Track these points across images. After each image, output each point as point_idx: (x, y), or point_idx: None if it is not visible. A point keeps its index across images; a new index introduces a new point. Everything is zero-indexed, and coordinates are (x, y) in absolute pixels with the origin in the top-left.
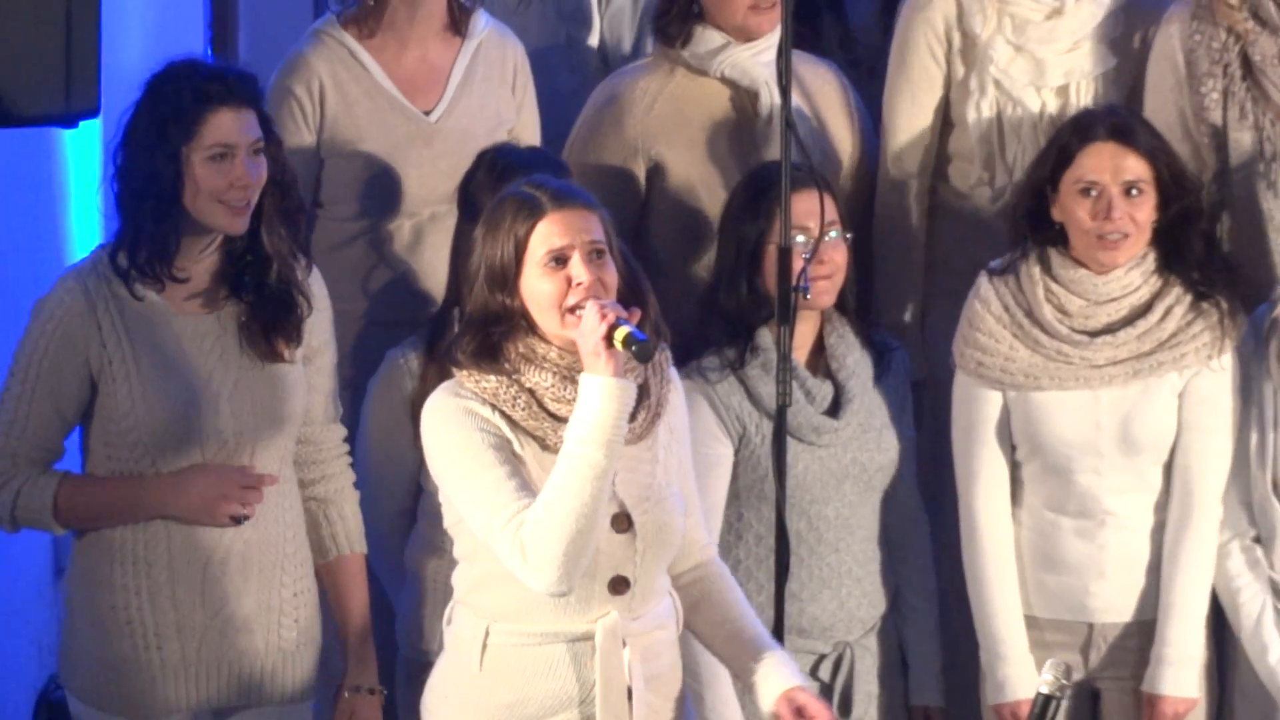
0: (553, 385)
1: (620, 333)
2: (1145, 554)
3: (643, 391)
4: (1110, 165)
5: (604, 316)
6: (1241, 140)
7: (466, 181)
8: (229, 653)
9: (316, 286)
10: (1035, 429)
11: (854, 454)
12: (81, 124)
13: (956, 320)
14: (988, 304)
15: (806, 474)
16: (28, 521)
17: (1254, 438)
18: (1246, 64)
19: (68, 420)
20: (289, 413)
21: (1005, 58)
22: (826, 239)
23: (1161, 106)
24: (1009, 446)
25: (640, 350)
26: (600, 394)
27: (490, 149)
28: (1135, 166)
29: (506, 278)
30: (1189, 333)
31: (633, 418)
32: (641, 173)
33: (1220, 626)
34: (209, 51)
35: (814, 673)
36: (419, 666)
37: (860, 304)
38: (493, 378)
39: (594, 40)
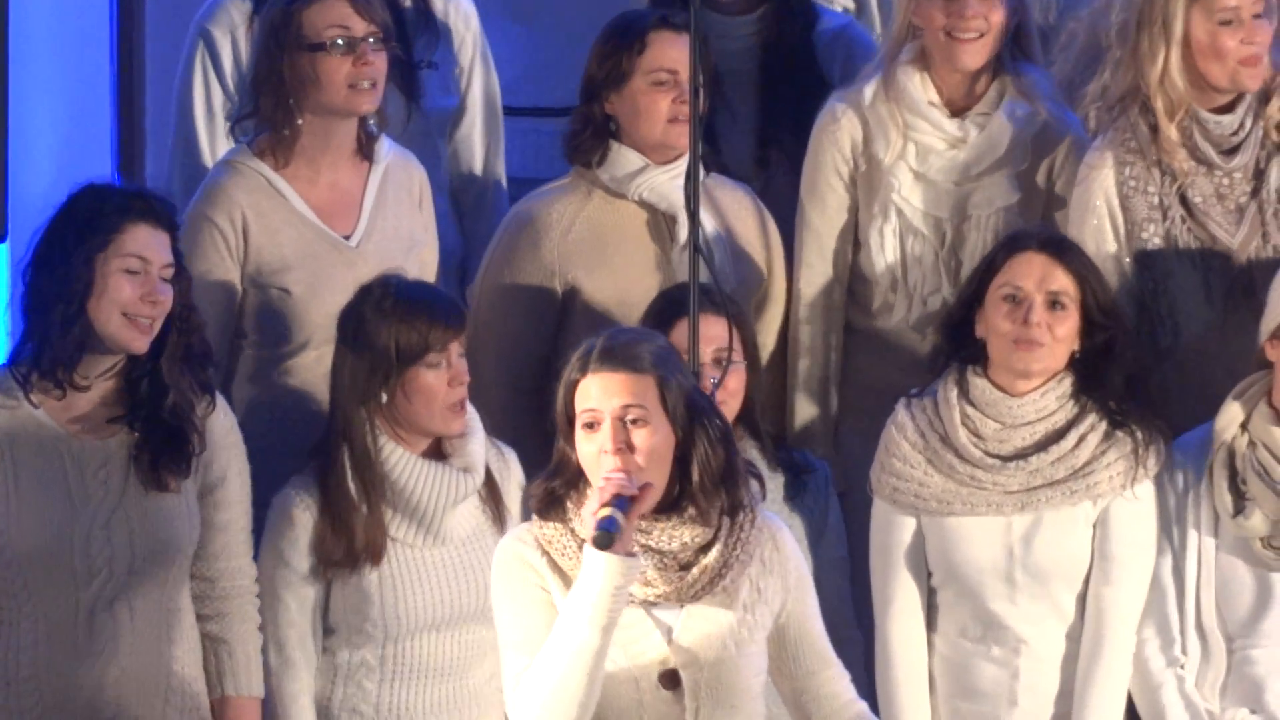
0: None
1: (603, 512)
2: (1056, 683)
3: (703, 550)
4: (1037, 273)
5: (603, 492)
6: (1187, 282)
7: (348, 312)
8: None
9: (223, 420)
10: (948, 555)
11: None
12: None
13: (868, 436)
14: (903, 430)
15: None
16: None
17: (1171, 580)
18: (1186, 205)
19: None
20: (172, 543)
21: (906, 184)
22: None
23: (1097, 260)
24: (924, 573)
25: (598, 538)
26: (592, 568)
27: (375, 282)
28: (1062, 280)
29: (563, 429)
30: (1103, 461)
31: (683, 574)
32: (558, 296)
33: None
34: (116, 178)
35: None
36: None
37: (778, 427)
38: (551, 526)
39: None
